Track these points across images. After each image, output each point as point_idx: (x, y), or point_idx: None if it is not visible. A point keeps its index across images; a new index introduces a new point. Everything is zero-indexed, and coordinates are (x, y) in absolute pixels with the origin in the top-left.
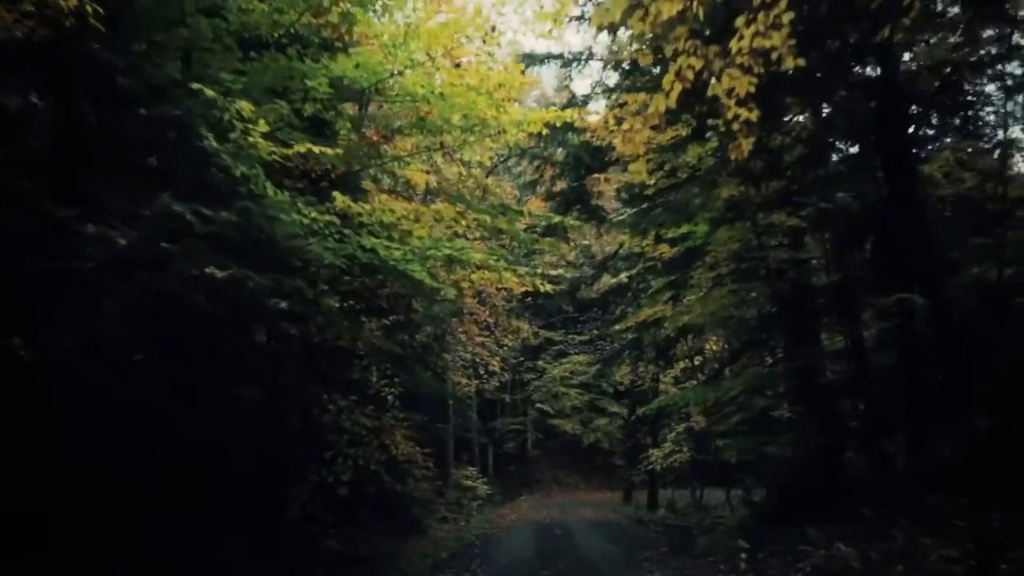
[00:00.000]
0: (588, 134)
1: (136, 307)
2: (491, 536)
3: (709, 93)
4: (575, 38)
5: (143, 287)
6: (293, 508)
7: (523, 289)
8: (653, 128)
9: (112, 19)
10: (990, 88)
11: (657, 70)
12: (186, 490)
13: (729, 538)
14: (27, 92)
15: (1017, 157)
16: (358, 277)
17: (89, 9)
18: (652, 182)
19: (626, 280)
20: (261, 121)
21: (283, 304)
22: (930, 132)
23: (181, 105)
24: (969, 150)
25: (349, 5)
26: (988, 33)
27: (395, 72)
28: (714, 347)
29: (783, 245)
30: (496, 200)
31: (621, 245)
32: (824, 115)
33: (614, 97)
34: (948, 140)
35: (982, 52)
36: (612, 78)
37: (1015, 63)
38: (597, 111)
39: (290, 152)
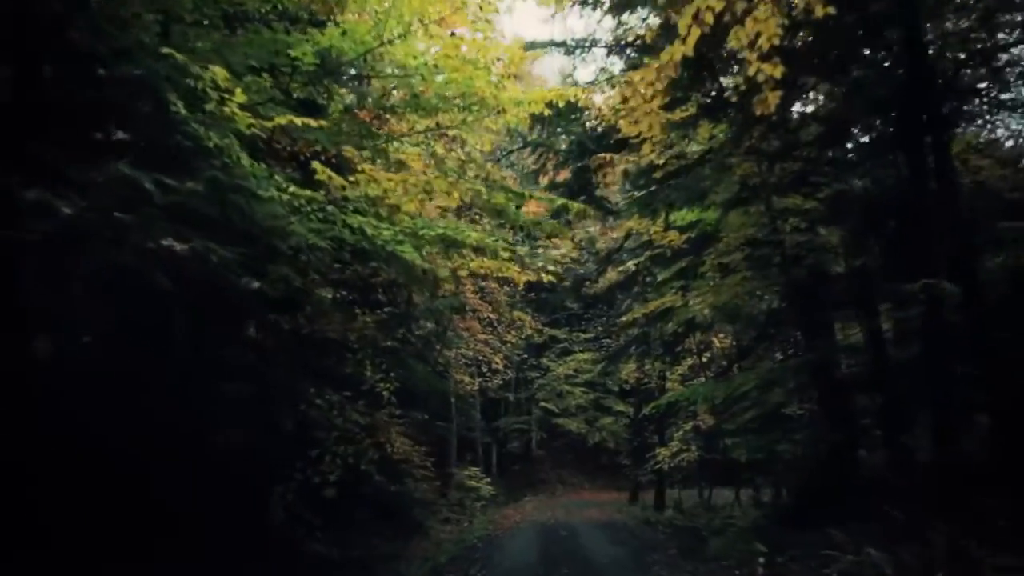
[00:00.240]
0: (593, 115)
1: (103, 289)
2: (493, 538)
3: (730, 43)
4: (578, 23)
5: (102, 263)
6: (277, 509)
7: (525, 279)
8: (663, 94)
9: None
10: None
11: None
12: (164, 491)
13: (743, 540)
14: None
15: None
16: (349, 265)
17: None
18: (661, 162)
19: (633, 268)
20: (238, 91)
21: (256, 284)
22: (959, 105)
23: (147, 68)
24: (999, 129)
25: None
26: None
27: (385, 41)
28: (722, 344)
29: (799, 229)
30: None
31: (627, 236)
32: (844, 90)
33: (619, 81)
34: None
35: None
36: (617, 65)
37: None
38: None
39: (270, 125)
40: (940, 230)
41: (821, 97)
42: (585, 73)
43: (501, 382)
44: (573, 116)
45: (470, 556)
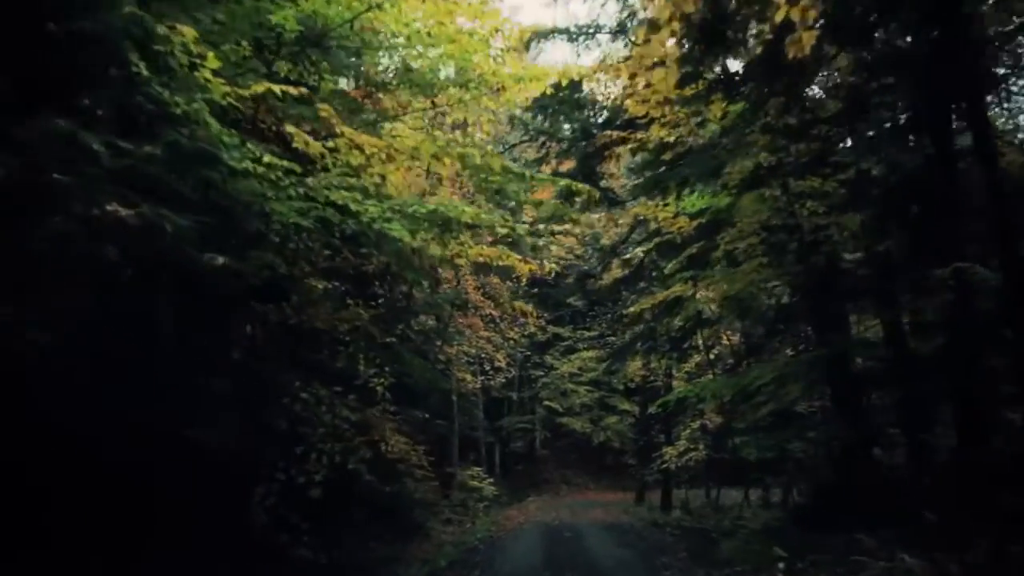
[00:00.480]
0: (598, 96)
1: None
2: (496, 540)
3: None
4: (580, 8)
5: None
6: (258, 512)
7: (528, 268)
8: (673, 70)
9: None
10: None
11: None
12: (137, 493)
13: (759, 543)
14: None
15: None
16: (339, 252)
17: None
18: (672, 139)
19: (641, 256)
20: (211, 55)
21: (220, 260)
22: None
23: (104, 24)
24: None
25: None
26: None
27: (374, 5)
28: (730, 340)
29: (817, 213)
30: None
31: (633, 227)
32: (868, 59)
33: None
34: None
35: None
36: (621, 52)
37: None
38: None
39: (247, 93)
40: (974, 208)
41: (839, 78)
42: (588, 62)
43: (504, 380)
44: (577, 96)
45: (470, 559)
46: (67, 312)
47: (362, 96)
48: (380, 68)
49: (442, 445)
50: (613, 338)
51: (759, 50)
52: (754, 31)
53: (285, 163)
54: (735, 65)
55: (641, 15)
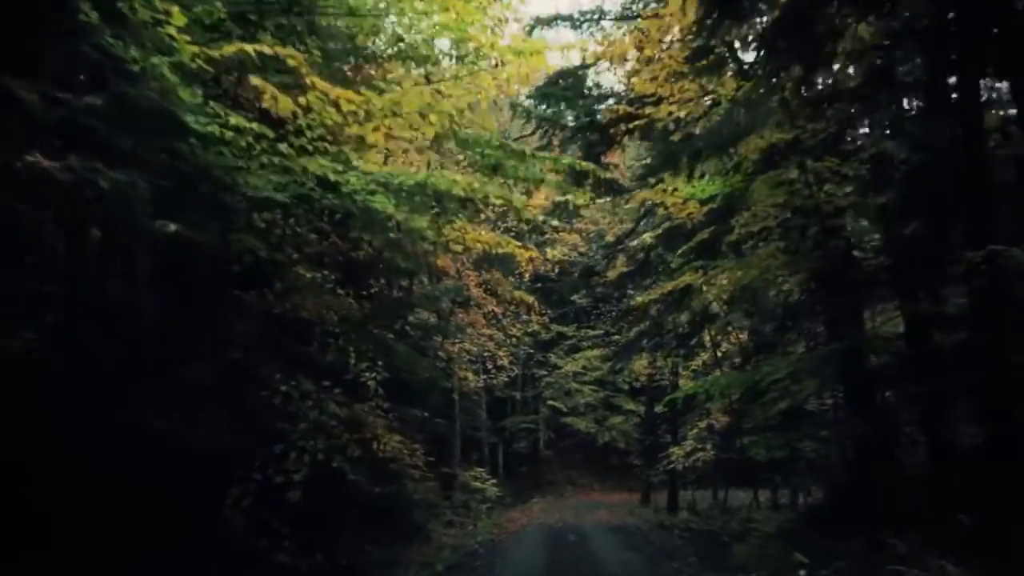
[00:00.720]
0: (603, 80)
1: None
2: (497, 543)
3: None
4: None
5: None
6: (234, 515)
7: (529, 256)
8: (682, 43)
9: None
10: None
11: None
12: (106, 489)
13: (775, 548)
14: None
15: None
16: (326, 236)
17: None
18: (683, 114)
19: (649, 242)
20: (176, 11)
21: (172, 227)
22: None
23: None
24: None
25: None
26: None
27: None
28: (738, 338)
29: (836, 196)
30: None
31: (640, 216)
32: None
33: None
34: None
35: None
36: (627, 40)
37: None
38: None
39: (217, 53)
40: (1003, 188)
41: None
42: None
43: (507, 379)
44: (581, 75)
45: (469, 563)
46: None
47: (349, 70)
48: (371, 40)
49: (443, 445)
50: (618, 336)
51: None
52: None
53: (255, 126)
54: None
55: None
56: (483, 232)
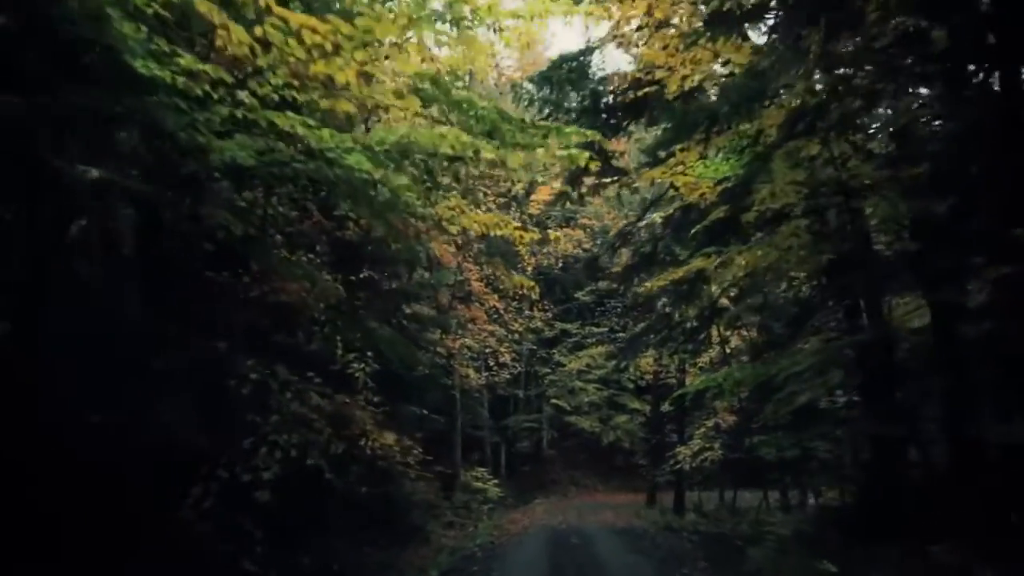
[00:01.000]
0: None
1: None
2: (497, 546)
3: None
4: None
5: None
6: (199, 520)
7: (530, 238)
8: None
9: None
10: None
11: None
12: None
13: (797, 554)
14: None
15: None
16: (308, 213)
17: None
18: (698, 78)
19: (660, 221)
20: None
21: (95, 173)
22: None
23: None
24: None
25: None
26: None
27: None
28: (749, 333)
29: (862, 172)
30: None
31: (646, 208)
32: None
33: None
34: None
35: None
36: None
37: None
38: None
39: None
40: None
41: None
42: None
43: (509, 377)
44: (586, 57)
45: (466, 568)
46: None
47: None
48: None
49: (443, 444)
50: (623, 334)
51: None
52: None
53: (209, 68)
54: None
55: None
56: (480, 213)
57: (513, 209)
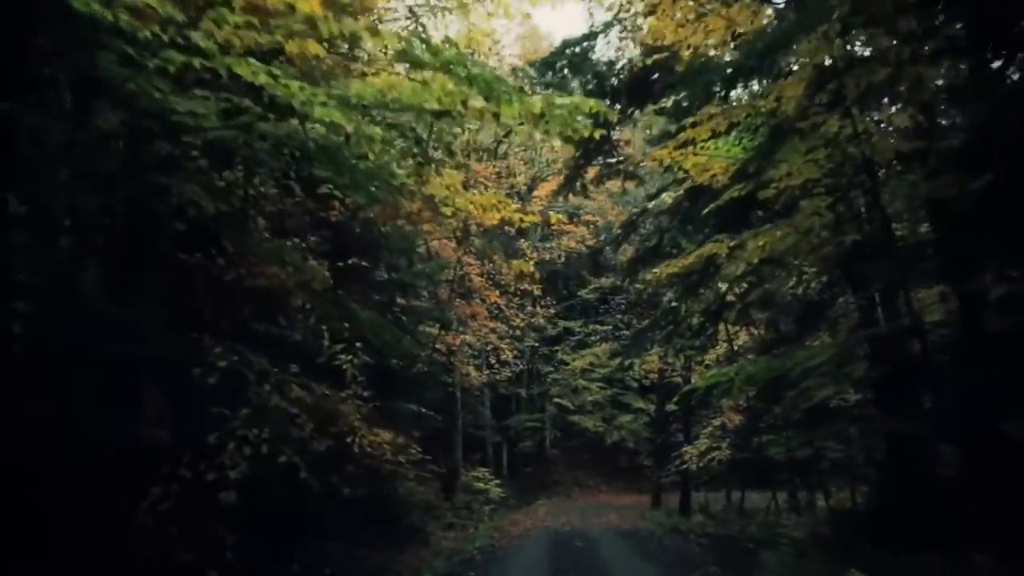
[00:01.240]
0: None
1: None
2: (497, 549)
3: None
4: None
5: None
6: (158, 524)
7: (530, 220)
8: None
9: None
10: None
11: None
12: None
13: (816, 559)
14: None
15: None
16: (290, 190)
17: None
18: (712, 42)
19: (669, 204)
20: None
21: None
22: None
23: None
24: None
25: None
26: None
27: None
28: (757, 329)
29: (886, 150)
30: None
31: (653, 194)
32: None
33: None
34: None
35: None
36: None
37: None
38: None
39: None
40: None
41: None
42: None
43: (511, 375)
44: (589, 43)
45: (463, 574)
46: None
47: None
48: None
49: (443, 444)
50: (627, 332)
51: None
52: None
53: (155, 2)
54: None
55: None
56: (476, 195)
57: (516, 203)
